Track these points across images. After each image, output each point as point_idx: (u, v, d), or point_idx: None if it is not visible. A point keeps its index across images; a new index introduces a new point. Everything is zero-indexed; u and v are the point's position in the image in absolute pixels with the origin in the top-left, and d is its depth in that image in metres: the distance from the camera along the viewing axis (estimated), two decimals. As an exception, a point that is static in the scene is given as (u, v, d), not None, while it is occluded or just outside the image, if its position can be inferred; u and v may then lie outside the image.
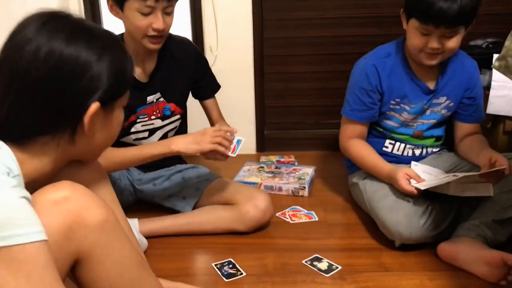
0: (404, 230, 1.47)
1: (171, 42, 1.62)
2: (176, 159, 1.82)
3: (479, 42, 2.06)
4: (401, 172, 1.51)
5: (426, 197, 1.53)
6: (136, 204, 1.81)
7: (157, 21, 1.47)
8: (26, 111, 0.88)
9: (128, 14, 1.48)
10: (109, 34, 0.97)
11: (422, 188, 1.47)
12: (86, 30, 0.91)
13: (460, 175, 1.42)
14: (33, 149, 0.90)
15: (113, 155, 1.48)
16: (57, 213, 0.87)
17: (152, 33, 1.49)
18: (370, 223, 1.65)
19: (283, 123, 2.44)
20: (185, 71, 1.69)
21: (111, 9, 1.52)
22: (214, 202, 1.65)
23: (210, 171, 1.79)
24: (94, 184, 1.07)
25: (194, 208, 1.68)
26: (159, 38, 1.53)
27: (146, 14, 1.47)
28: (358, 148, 1.69)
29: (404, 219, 1.47)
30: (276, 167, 2.13)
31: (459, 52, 1.67)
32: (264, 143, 2.44)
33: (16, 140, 0.89)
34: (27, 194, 0.81)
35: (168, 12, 1.50)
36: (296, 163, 2.24)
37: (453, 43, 1.51)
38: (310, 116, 2.42)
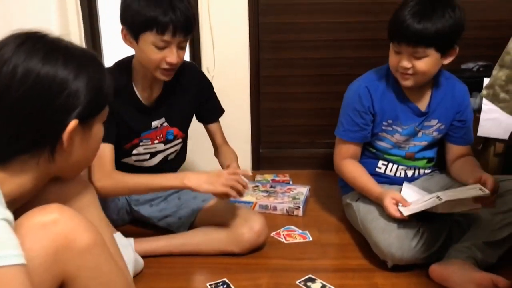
0: (396, 251, 1.49)
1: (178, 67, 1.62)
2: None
3: (470, 65, 2.11)
4: (387, 198, 1.53)
5: (418, 218, 1.55)
6: (132, 222, 1.83)
7: (171, 56, 1.48)
8: (5, 130, 0.89)
9: (142, 46, 1.48)
10: (85, 52, 0.98)
11: (408, 213, 1.49)
12: (62, 49, 0.93)
13: (444, 198, 1.42)
14: (12, 168, 0.91)
15: (124, 180, 1.50)
16: (45, 236, 0.87)
17: (165, 66, 1.50)
18: (363, 243, 1.67)
19: (279, 142, 2.47)
20: (190, 95, 1.71)
21: (124, 38, 1.52)
22: (210, 223, 1.66)
23: (207, 192, 1.80)
24: (82, 203, 1.08)
25: (190, 228, 1.69)
26: (171, 71, 1.54)
27: (161, 48, 1.47)
28: (351, 168, 1.72)
29: (396, 240, 1.50)
30: (271, 186, 2.15)
31: (450, 76, 1.72)
32: (260, 162, 2.46)
33: None
34: (7, 215, 0.81)
35: (182, 47, 1.51)
36: (291, 182, 2.26)
37: (422, 64, 1.54)
38: (305, 136, 2.45)
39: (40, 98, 0.88)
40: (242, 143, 2.39)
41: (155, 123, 1.66)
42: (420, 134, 1.71)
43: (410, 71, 1.56)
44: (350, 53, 2.30)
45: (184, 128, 1.76)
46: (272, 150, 2.47)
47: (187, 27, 1.47)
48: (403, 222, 1.52)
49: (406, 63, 1.55)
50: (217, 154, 1.83)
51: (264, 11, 2.25)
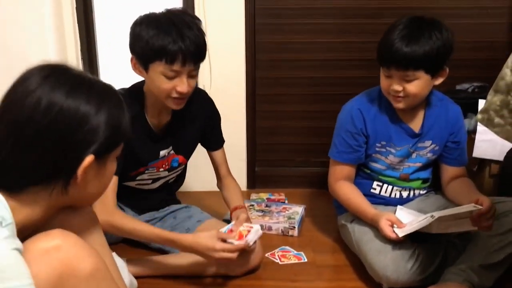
0: (392, 274, 1.48)
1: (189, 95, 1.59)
2: (170, 200, 1.84)
3: (465, 86, 2.12)
4: (383, 220, 1.53)
5: (413, 240, 1.54)
6: (124, 241, 1.80)
7: (181, 85, 1.46)
8: (22, 161, 0.89)
9: (152, 76, 1.47)
10: (107, 87, 0.99)
11: (403, 234, 1.48)
12: (86, 83, 0.94)
13: (437, 215, 1.42)
14: (25, 198, 0.91)
15: (122, 223, 1.49)
16: (48, 262, 0.87)
17: (175, 95, 1.48)
18: (359, 265, 1.66)
19: (274, 160, 2.46)
20: (198, 123, 1.71)
21: (134, 67, 1.51)
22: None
23: (202, 212, 1.79)
24: (85, 229, 1.07)
25: (184, 249, 1.68)
26: (183, 99, 1.52)
27: (170, 78, 1.45)
28: (345, 190, 1.71)
29: (391, 262, 1.49)
30: (266, 205, 2.14)
31: (444, 97, 1.73)
32: (255, 180, 2.46)
33: (9, 189, 0.90)
34: (18, 244, 0.83)
35: (192, 75, 1.50)
36: (286, 201, 2.25)
37: (413, 87, 1.55)
38: (301, 154, 2.45)
39: (60, 132, 0.89)
40: (238, 161, 2.38)
41: (162, 153, 1.66)
42: (414, 155, 1.70)
43: (401, 94, 1.57)
44: (346, 73, 2.31)
45: (189, 155, 1.77)
46: (267, 168, 2.46)
47: (197, 56, 1.45)
48: (399, 243, 1.52)
49: (397, 87, 1.55)
50: (220, 185, 1.82)
51: (261, 30, 2.26)
